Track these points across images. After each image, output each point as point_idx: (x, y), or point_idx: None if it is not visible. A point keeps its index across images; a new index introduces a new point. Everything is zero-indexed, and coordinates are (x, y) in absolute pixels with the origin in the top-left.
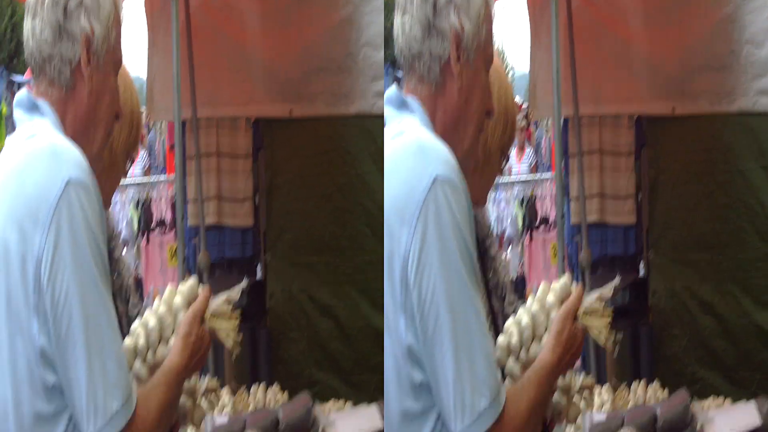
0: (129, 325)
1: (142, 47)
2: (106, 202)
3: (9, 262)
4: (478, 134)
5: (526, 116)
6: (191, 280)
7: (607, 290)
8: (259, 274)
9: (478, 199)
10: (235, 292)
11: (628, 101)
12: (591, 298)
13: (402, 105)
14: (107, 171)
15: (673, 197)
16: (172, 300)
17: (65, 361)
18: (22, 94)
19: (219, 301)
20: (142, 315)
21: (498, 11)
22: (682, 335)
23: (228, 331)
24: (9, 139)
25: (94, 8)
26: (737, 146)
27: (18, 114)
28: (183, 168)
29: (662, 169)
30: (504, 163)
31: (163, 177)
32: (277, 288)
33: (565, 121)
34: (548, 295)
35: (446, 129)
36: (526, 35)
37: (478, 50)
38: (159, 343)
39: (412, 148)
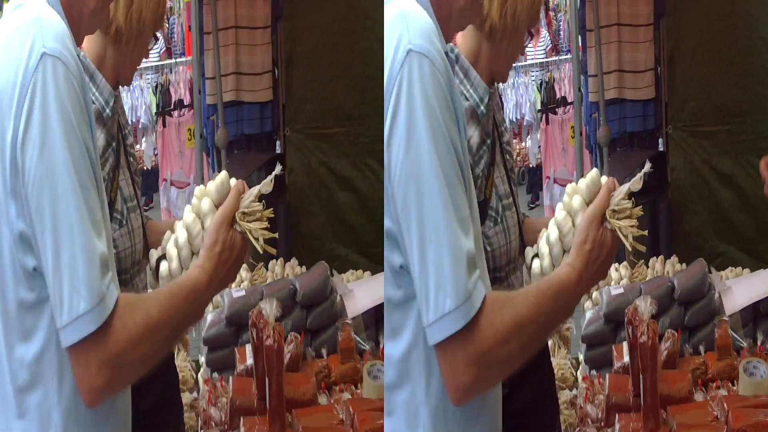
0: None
1: None
2: (128, 77)
3: None
4: None
5: None
6: (220, 176)
7: (636, 181)
8: (278, 149)
9: (501, 73)
10: (267, 184)
11: None
12: (619, 194)
13: None
14: (132, 43)
15: (693, 67)
16: (199, 204)
17: (37, 248)
18: None
19: (249, 198)
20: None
21: None
22: (702, 210)
23: (258, 232)
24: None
25: None
26: (759, 11)
27: None
28: (200, 43)
29: (681, 39)
30: (527, 39)
31: (181, 59)
32: (296, 162)
33: None
34: (574, 197)
35: None
36: None
37: None
38: (191, 259)
39: (394, 17)
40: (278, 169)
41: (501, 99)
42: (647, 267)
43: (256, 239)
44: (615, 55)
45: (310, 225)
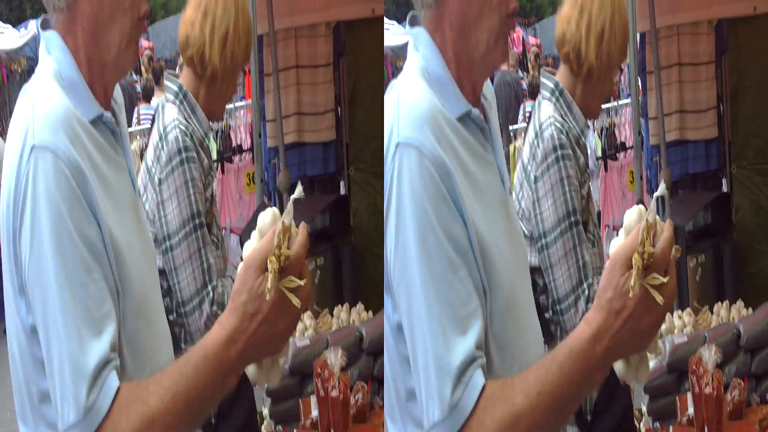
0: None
1: None
2: (220, 113)
3: (4, 243)
4: (494, 33)
5: None
6: (269, 211)
7: (652, 211)
8: (342, 190)
9: (594, 111)
10: (287, 215)
11: (707, 6)
12: (640, 232)
13: (413, 43)
14: (226, 81)
15: (757, 104)
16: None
17: (41, 340)
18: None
19: (277, 237)
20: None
21: None
22: None
23: (289, 282)
24: None
25: None
26: None
27: (40, 54)
28: (260, 83)
29: (744, 75)
30: (618, 76)
31: (241, 103)
32: (361, 203)
33: (642, 36)
34: (614, 239)
35: (456, 43)
36: None
37: None
38: None
39: (389, 110)
40: (299, 191)
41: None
42: (712, 313)
43: (292, 290)
44: (676, 96)
45: (377, 268)
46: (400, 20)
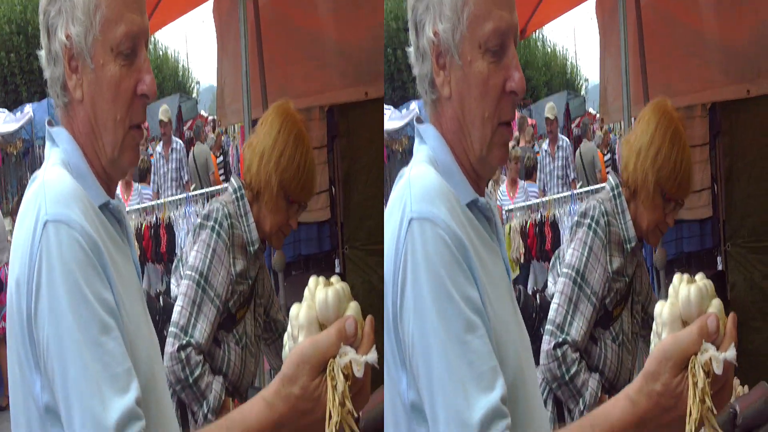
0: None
1: (213, 55)
2: (268, 235)
3: (14, 323)
4: (487, 142)
5: (600, 124)
6: (331, 292)
7: (733, 354)
8: (338, 268)
9: (643, 232)
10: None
11: (701, 90)
12: (713, 358)
13: (419, 136)
14: (269, 202)
15: (751, 184)
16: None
17: (61, 416)
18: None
19: (350, 357)
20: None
21: (569, 29)
22: (764, 327)
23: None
24: None
25: (69, 9)
26: None
27: (46, 150)
28: None
29: (738, 156)
30: (673, 207)
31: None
32: (357, 280)
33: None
34: (665, 305)
35: (454, 142)
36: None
37: (463, 41)
38: None
39: (399, 191)
40: (373, 356)
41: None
42: None
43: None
44: None
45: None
46: (396, 104)
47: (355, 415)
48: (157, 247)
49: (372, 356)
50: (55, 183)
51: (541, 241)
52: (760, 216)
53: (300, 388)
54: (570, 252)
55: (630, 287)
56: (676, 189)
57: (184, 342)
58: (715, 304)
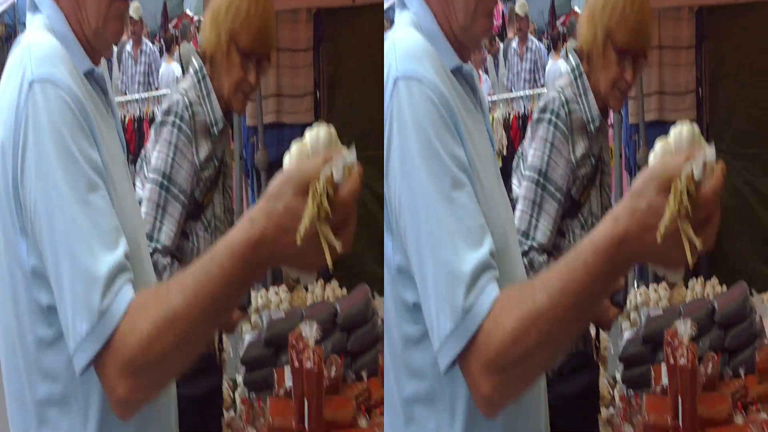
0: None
1: None
2: (232, 102)
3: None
4: (471, 10)
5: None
6: (322, 129)
7: (698, 165)
8: None
9: (606, 98)
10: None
11: None
12: (694, 165)
13: (401, 2)
14: (223, 65)
15: (735, 89)
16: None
17: (49, 280)
18: None
19: (331, 170)
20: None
21: None
22: (743, 232)
23: (329, 237)
24: None
25: None
26: None
27: (28, 18)
28: None
29: (723, 61)
30: (633, 65)
31: None
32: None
33: None
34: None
35: (437, 10)
36: None
37: None
38: None
39: (387, 53)
40: (352, 154)
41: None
42: (687, 288)
43: (331, 247)
44: (656, 78)
45: (354, 247)
46: None
47: (334, 243)
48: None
49: (351, 157)
50: (40, 44)
51: (524, 134)
52: (743, 122)
53: (283, 205)
54: (531, 153)
55: (597, 166)
56: (627, 37)
57: (151, 249)
58: (708, 148)
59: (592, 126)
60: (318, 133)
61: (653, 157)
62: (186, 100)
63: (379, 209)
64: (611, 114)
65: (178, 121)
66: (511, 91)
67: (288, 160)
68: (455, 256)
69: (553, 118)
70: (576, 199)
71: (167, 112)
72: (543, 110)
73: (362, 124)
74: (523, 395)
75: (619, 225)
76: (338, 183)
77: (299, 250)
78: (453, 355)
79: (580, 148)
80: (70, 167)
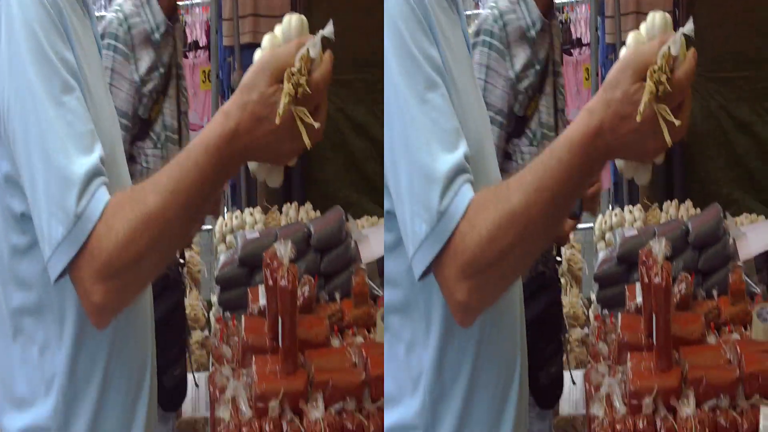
0: None
1: None
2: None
3: None
4: None
5: None
6: (294, 17)
7: (676, 41)
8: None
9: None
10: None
11: None
12: (664, 48)
13: None
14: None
15: (712, 13)
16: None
17: (22, 184)
18: None
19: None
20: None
21: None
22: (717, 156)
23: (306, 119)
24: None
25: None
26: None
27: None
28: None
29: None
30: None
31: (198, 0)
32: None
33: None
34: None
35: None
36: None
37: None
38: None
39: None
40: (329, 29)
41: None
42: (661, 210)
43: (307, 126)
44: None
45: (325, 171)
46: None
47: (312, 122)
48: None
49: (328, 29)
50: None
51: None
52: (719, 46)
53: (258, 94)
54: None
55: (546, 70)
56: None
57: None
58: (688, 24)
59: (533, 31)
60: (290, 21)
61: (626, 49)
62: (120, 15)
63: (353, 133)
64: (585, 33)
65: (113, 42)
66: None
67: (260, 51)
68: (430, 158)
69: (487, 39)
70: (521, 116)
71: (101, 36)
72: (476, 34)
73: (338, 48)
74: (498, 304)
75: (594, 117)
76: (314, 60)
77: (275, 138)
78: (428, 260)
79: (521, 59)
80: (44, 67)
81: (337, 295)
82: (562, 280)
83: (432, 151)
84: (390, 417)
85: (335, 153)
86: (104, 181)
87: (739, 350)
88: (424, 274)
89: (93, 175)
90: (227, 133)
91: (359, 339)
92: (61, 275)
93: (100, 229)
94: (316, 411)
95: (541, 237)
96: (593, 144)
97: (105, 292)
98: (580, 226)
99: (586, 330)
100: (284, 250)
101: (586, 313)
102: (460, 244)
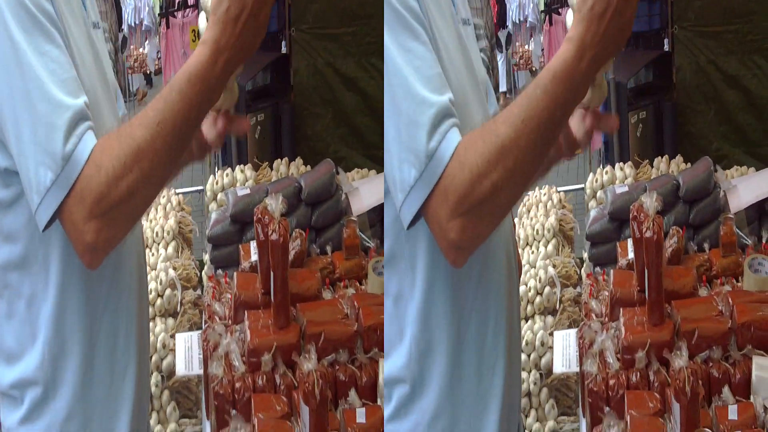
0: None
1: None
2: None
3: None
4: None
5: None
6: None
7: None
8: (283, 49)
9: None
10: None
11: None
12: None
13: None
14: None
15: None
16: None
17: (7, 141)
18: None
19: None
20: None
21: None
22: (707, 110)
23: None
24: None
25: None
26: None
27: None
28: None
29: None
30: None
31: None
32: (301, 63)
33: None
34: None
35: None
36: None
37: None
38: None
39: None
40: None
41: None
42: (652, 167)
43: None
44: None
45: (315, 126)
46: None
47: None
48: None
49: None
50: None
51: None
52: (707, 0)
53: (227, 3)
54: None
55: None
56: None
57: None
58: None
59: None
60: None
61: None
62: None
63: (342, 88)
64: None
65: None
66: None
67: None
68: (415, 104)
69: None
70: None
71: None
72: None
73: (326, 1)
74: (486, 259)
75: (574, 40)
76: None
77: (252, 18)
78: (418, 205)
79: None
80: (23, 18)
81: (329, 249)
82: (554, 241)
83: (416, 97)
84: (386, 370)
85: (325, 108)
86: (90, 125)
87: (731, 301)
88: (413, 222)
89: (79, 118)
90: (209, 55)
91: (351, 291)
92: (50, 223)
93: (88, 169)
94: (308, 363)
95: (530, 168)
96: (578, 67)
97: (98, 230)
98: (571, 187)
99: (578, 290)
100: (275, 204)
101: (579, 272)
102: (450, 183)
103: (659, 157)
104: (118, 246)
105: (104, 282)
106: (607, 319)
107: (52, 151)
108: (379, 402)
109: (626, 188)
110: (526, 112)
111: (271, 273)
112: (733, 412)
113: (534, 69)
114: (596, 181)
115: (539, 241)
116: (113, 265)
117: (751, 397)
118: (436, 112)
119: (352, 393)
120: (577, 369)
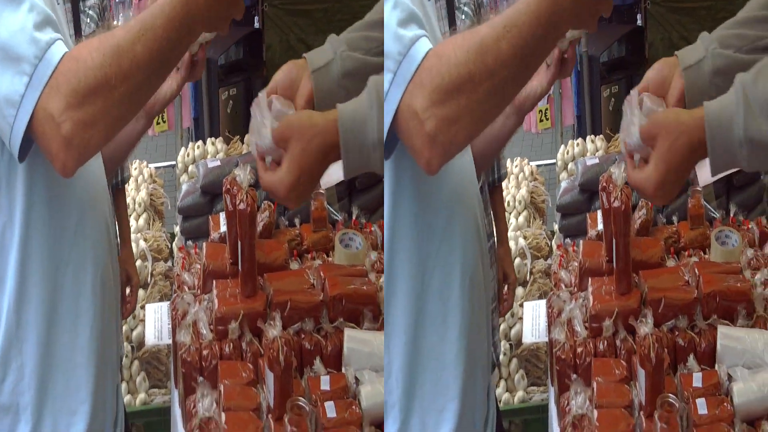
0: None
1: None
2: None
3: None
4: None
5: None
6: None
7: None
8: (256, 24)
9: None
10: None
11: None
12: None
13: None
14: None
15: None
16: None
17: None
18: None
19: None
20: None
21: None
22: None
23: None
24: None
25: None
26: None
27: None
28: None
29: None
30: None
31: None
32: (274, 38)
33: None
34: None
35: None
36: None
37: None
38: None
39: None
40: None
41: None
42: None
43: None
44: None
45: None
46: None
47: None
48: None
49: None
50: None
51: None
52: None
53: None
54: None
55: None
56: None
57: None
58: None
59: None
60: None
61: None
62: None
63: None
64: None
65: None
66: None
67: None
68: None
69: None
70: None
71: None
72: None
73: None
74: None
75: None
76: None
77: None
78: (396, 100)
79: None
80: None
81: (297, 221)
82: (525, 213)
83: (389, 29)
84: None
85: None
86: (61, 38)
87: (697, 272)
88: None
89: (49, 25)
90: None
91: (318, 262)
92: (27, 147)
93: (65, 63)
94: (273, 330)
95: (509, 76)
96: None
97: (75, 122)
98: (542, 162)
99: (549, 261)
100: (243, 175)
101: (550, 244)
102: (427, 75)
103: None
104: (82, 195)
105: (68, 231)
106: (576, 289)
107: (25, 58)
108: (343, 370)
109: (597, 160)
110: (508, 19)
111: (239, 243)
112: (697, 380)
113: None
114: (567, 153)
115: (510, 213)
116: (77, 214)
117: (716, 365)
118: (400, 18)
119: (317, 361)
120: (546, 339)
